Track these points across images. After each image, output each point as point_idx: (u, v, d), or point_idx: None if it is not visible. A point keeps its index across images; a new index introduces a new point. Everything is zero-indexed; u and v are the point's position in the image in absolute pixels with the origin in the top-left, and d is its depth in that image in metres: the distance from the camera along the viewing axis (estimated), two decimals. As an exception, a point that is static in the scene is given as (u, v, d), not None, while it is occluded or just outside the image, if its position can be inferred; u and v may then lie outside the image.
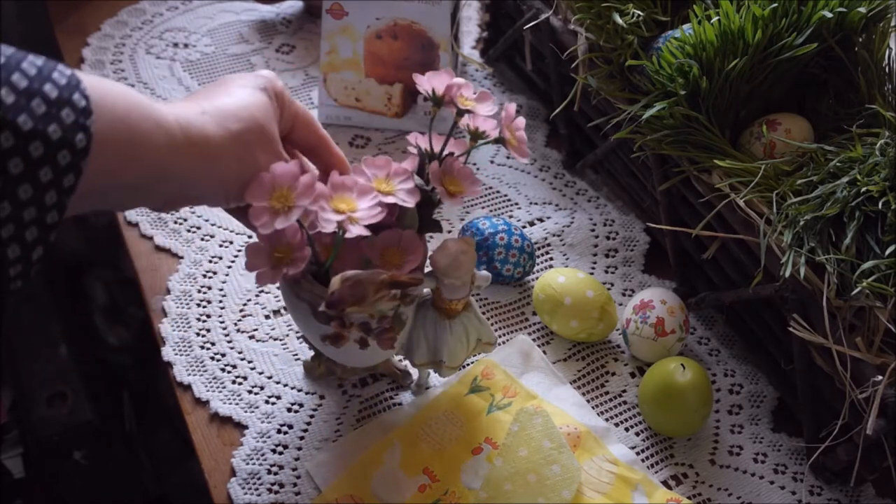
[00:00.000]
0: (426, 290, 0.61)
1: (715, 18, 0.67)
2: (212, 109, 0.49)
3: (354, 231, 0.51)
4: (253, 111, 0.51)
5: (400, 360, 0.69)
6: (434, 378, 0.70)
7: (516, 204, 0.85)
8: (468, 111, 0.57)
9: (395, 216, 0.58)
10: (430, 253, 0.58)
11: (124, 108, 0.44)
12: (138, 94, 0.46)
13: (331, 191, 0.52)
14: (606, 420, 0.69)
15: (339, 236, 0.52)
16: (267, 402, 0.68)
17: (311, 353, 0.69)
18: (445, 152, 0.58)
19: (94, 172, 0.42)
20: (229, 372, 0.69)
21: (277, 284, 0.61)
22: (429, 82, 0.58)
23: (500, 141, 0.58)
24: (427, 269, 0.59)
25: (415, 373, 0.68)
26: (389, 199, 0.53)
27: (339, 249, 0.54)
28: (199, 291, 0.75)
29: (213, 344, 0.71)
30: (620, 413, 0.70)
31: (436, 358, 0.63)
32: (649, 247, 0.82)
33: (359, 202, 0.53)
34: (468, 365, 0.70)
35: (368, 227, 0.52)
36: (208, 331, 0.72)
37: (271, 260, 0.53)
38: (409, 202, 0.54)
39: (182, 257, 0.77)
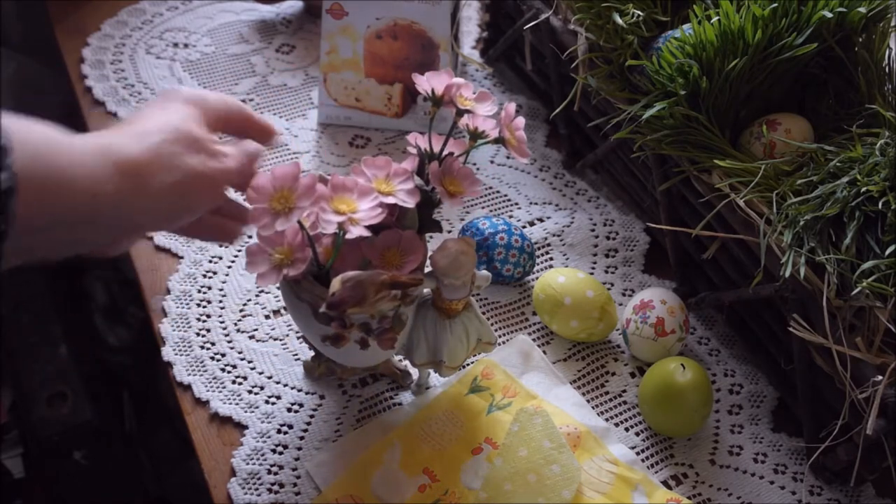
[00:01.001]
0: (426, 291, 0.61)
1: (715, 18, 0.67)
2: (129, 131, 0.49)
3: (355, 232, 0.51)
4: (168, 119, 0.50)
5: (400, 360, 0.69)
6: (434, 378, 0.70)
7: (516, 204, 0.85)
8: (468, 111, 0.57)
9: (395, 216, 0.58)
10: (430, 253, 0.58)
11: (41, 141, 0.44)
12: (51, 128, 0.45)
13: (331, 192, 0.52)
14: (606, 420, 0.69)
15: (339, 237, 0.52)
16: (267, 402, 0.68)
17: (311, 353, 0.69)
18: (445, 152, 0.58)
19: (22, 215, 0.41)
20: (229, 372, 0.69)
21: (278, 285, 0.61)
22: (428, 82, 0.58)
23: (499, 141, 0.58)
24: (427, 270, 0.59)
25: (415, 373, 0.68)
26: (389, 200, 0.53)
27: (339, 250, 0.54)
28: (199, 291, 0.75)
29: (213, 344, 0.71)
30: (620, 413, 0.70)
31: (436, 358, 0.63)
32: (649, 247, 0.82)
33: (359, 203, 0.53)
34: (468, 365, 0.70)
35: (368, 227, 0.52)
36: (208, 331, 0.72)
37: (271, 261, 0.53)
38: (410, 203, 0.54)
39: (182, 257, 0.77)
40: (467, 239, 0.57)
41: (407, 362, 0.67)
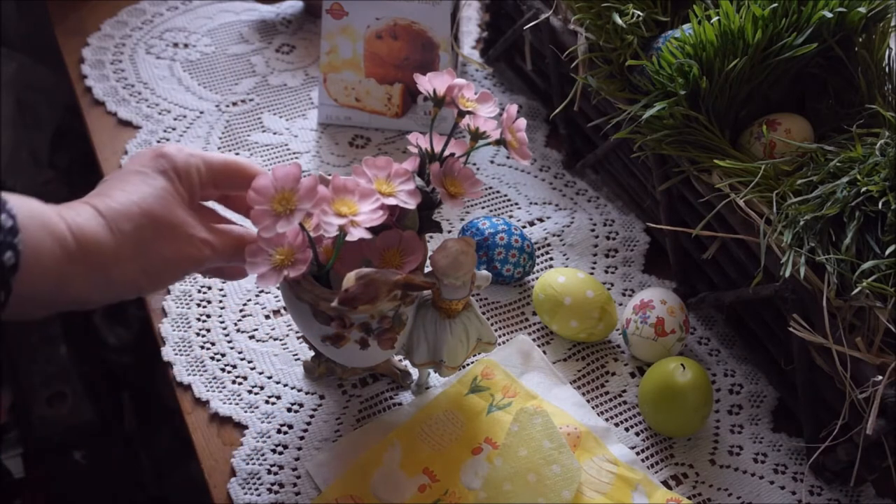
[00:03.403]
0: (426, 291, 0.61)
1: (715, 18, 0.67)
2: (105, 209, 0.49)
3: (356, 234, 0.51)
4: (148, 204, 0.50)
5: (400, 360, 0.69)
6: (434, 378, 0.70)
7: (516, 204, 0.85)
8: (469, 112, 0.57)
9: (396, 217, 0.58)
10: (429, 253, 0.58)
11: (36, 225, 0.45)
12: (34, 201, 0.47)
13: (332, 194, 0.52)
14: (606, 420, 0.69)
15: (339, 238, 0.52)
16: (267, 402, 0.68)
17: (311, 353, 0.69)
18: (446, 153, 0.58)
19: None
20: (229, 372, 0.69)
21: (278, 285, 0.61)
22: (430, 83, 0.58)
23: (501, 142, 0.58)
24: (427, 270, 0.59)
25: (415, 373, 0.68)
26: (390, 201, 0.53)
27: (339, 251, 0.54)
28: (199, 291, 0.75)
29: (213, 344, 0.71)
30: (620, 413, 0.70)
31: (436, 358, 0.63)
32: (649, 247, 0.82)
33: (360, 205, 0.52)
34: (468, 365, 0.70)
35: (369, 227, 0.52)
36: (208, 331, 0.72)
37: (272, 262, 0.53)
38: (411, 204, 0.54)
39: (182, 257, 0.77)
40: (467, 239, 0.57)
41: (407, 362, 0.67)
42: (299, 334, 0.72)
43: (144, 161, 0.52)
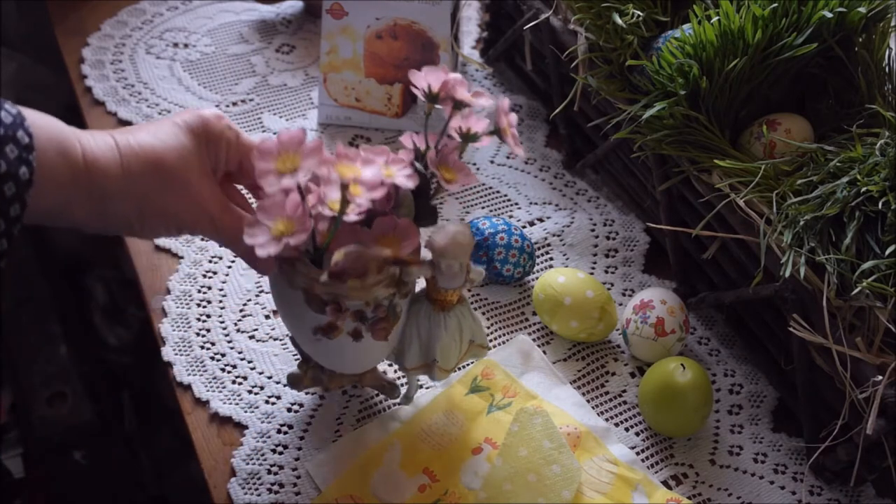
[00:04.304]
0: (419, 287, 0.60)
1: (715, 18, 0.67)
2: (124, 145, 0.51)
3: (359, 202, 0.51)
4: (164, 154, 0.51)
5: (385, 373, 0.68)
6: (434, 378, 0.70)
7: (516, 204, 0.85)
8: (465, 105, 0.57)
9: (392, 206, 0.57)
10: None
11: (54, 142, 0.47)
12: (58, 122, 0.49)
13: (336, 159, 0.53)
14: (606, 420, 0.69)
15: (338, 218, 0.52)
16: (267, 402, 0.68)
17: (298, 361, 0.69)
18: (441, 145, 0.58)
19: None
20: (229, 372, 0.69)
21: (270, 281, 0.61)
22: (424, 79, 0.58)
23: (496, 132, 0.57)
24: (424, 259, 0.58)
25: (403, 384, 0.68)
26: (390, 180, 0.53)
27: (333, 238, 0.54)
28: (199, 291, 0.75)
29: (213, 344, 0.71)
30: (620, 413, 0.70)
31: (428, 358, 0.62)
32: (649, 247, 0.82)
33: (364, 170, 0.53)
34: (465, 367, 0.70)
35: (362, 222, 0.52)
36: (208, 331, 0.72)
37: (271, 232, 0.53)
38: (409, 184, 0.54)
39: (182, 257, 0.77)
40: (465, 223, 0.57)
41: (394, 374, 0.67)
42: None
43: (185, 117, 0.54)
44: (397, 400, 0.67)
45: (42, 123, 0.47)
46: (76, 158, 0.48)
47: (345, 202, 0.51)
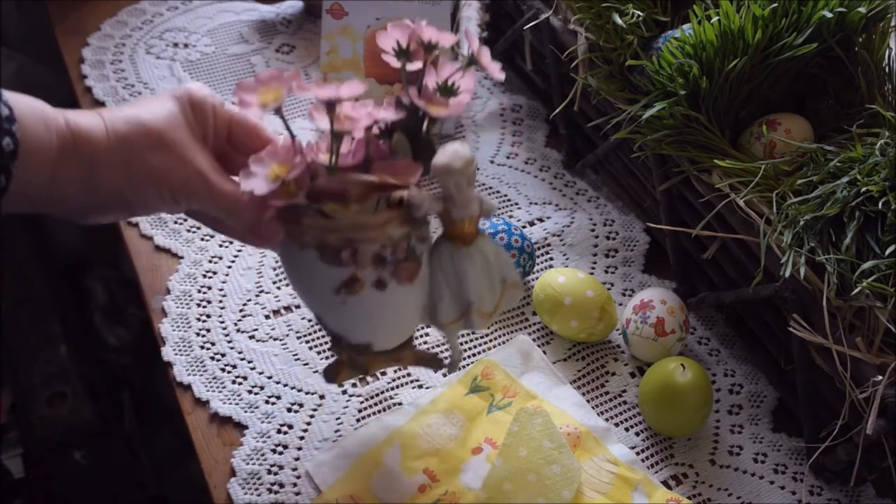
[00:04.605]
0: (433, 228, 0.57)
1: (715, 18, 0.67)
2: (108, 114, 0.51)
3: (358, 118, 0.51)
4: (150, 117, 0.51)
5: (425, 345, 0.65)
6: (434, 378, 0.70)
7: (516, 204, 0.85)
8: (433, 45, 0.56)
9: (389, 151, 0.57)
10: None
11: (34, 115, 0.47)
12: (34, 99, 0.49)
13: (315, 86, 0.52)
14: (606, 420, 0.69)
15: (332, 136, 0.51)
16: (267, 402, 0.68)
17: (319, 357, 0.69)
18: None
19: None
20: (229, 372, 0.69)
21: (279, 257, 0.59)
22: (390, 37, 0.58)
23: (472, 62, 0.56)
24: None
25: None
26: (378, 114, 0.53)
27: (339, 142, 0.53)
28: (199, 291, 0.75)
29: (213, 344, 0.71)
30: (620, 413, 0.70)
31: (462, 305, 0.58)
32: (649, 247, 0.82)
33: (342, 90, 0.52)
34: (468, 364, 0.70)
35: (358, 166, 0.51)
36: (208, 331, 0.72)
37: (267, 175, 0.52)
38: (392, 115, 0.54)
39: (182, 257, 0.77)
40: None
41: (434, 343, 0.64)
42: (300, 334, 0.72)
43: (168, 91, 0.54)
44: (444, 370, 0.66)
45: (22, 98, 0.48)
46: (61, 128, 0.48)
47: (334, 121, 0.51)
